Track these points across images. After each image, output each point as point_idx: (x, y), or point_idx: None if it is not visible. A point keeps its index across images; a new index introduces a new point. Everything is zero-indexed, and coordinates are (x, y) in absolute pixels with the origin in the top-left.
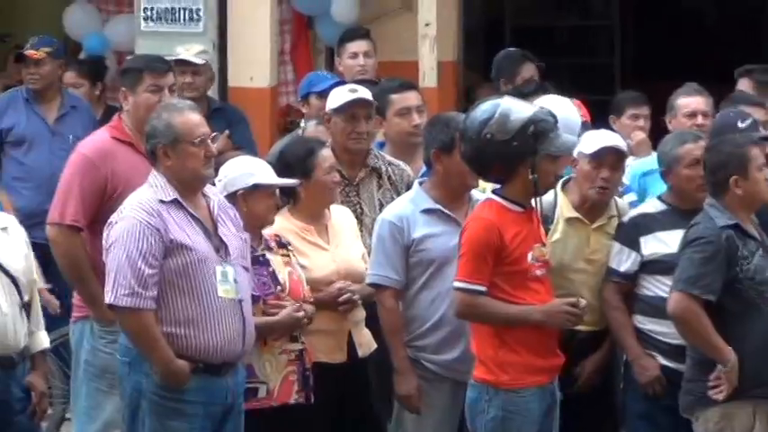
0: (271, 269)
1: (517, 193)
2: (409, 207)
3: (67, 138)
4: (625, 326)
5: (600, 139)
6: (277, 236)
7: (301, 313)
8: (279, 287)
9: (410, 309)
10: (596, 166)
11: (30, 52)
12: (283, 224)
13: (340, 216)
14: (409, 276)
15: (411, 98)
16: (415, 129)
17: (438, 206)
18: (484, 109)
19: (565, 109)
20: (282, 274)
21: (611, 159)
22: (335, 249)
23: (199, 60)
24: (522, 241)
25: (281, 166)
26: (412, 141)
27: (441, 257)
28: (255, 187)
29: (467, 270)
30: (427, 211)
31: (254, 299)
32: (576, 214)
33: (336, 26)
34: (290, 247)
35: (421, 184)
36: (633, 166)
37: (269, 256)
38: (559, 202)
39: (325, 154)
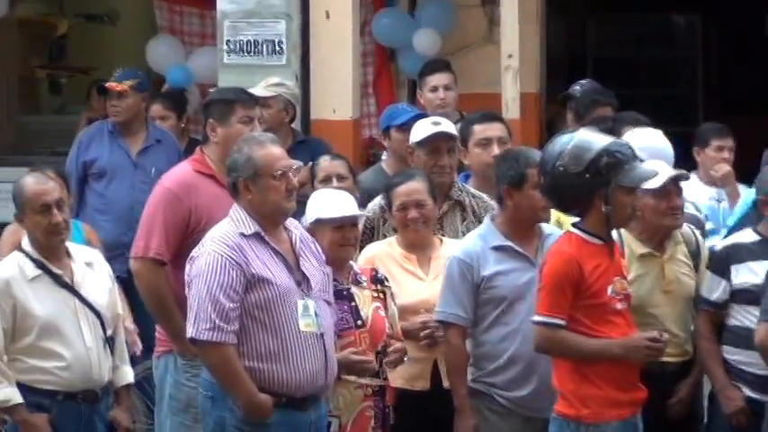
0: (353, 304)
1: (595, 226)
2: (479, 244)
3: (149, 171)
4: (713, 356)
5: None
6: (374, 270)
7: (361, 358)
8: (359, 322)
9: (480, 346)
10: (663, 197)
11: (111, 85)
12: (385, 250)
13: (453, 250)
14: (479, 313)
15: (493, 129)
16: (494, 159)
17: (509, 243)
18: (559, 141)
19: (658, 141)
20: (366, 310)
21: (675, 188)
22: (433, 281)
23: (267, 93)
24: (602, 275)
25: (364, 199)
26: (491, 173)
27: (511, 294)
28: (318, 222)
29: (546, 304)
30: (498, 248)
31: None
32: (646, 249)
33: (419, 58)
34: (387, 283)
35: (492, 219)
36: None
37: (354, 290)
38: (626, 241)
39: (403, 189)
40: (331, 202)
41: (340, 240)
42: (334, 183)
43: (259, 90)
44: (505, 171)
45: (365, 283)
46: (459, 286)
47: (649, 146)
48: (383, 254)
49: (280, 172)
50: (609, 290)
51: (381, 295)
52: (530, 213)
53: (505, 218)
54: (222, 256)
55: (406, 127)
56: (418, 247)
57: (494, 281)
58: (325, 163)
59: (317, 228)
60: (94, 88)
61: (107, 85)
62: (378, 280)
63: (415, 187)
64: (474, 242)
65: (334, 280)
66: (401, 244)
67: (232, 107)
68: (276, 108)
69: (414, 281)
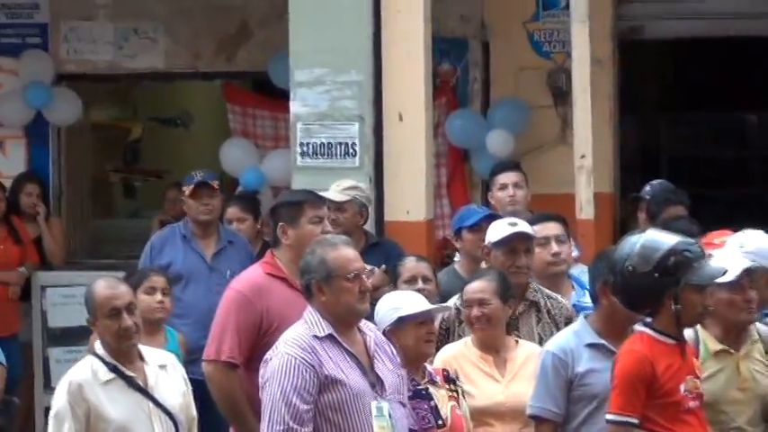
0: (432, 403)
1: (667, 325)
2: (573, 340)
3: (225, 273)
4: None
5: (732, 266)
6: (445, 370)
7: None
8: (440, 421)
9: None
10: (737, 290)
11: (213, 182)
12: (461, 351)
13: (529, 351)
14: (570, 410)
15: (549, 228)
16: (554, 258)
17: (602, 341)
18: (628, 241)
19: (764, 242)
20: (445, 409)
21: (747, 281)
22: (508, 382)
23: (341, 197)
24: (675, 374)
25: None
26: (552, 271)
27: (603, 393)
28: (401, 321)
29: (619, 403)
30: (591, 346)
31: None
32: (721, 346)
33: (492, 159)
34: (458, 383)
35: (586, 317)
36: None
37: (432, 389)
38: (701, 338)
39: (466, 288)
40: (408, 301)
41: (425, 336)
42: (420, 284)
43: (334, 194)
44: (599, 270)
45: (440, 383)
46: (552, 381)
47: (762, 248)
48: (459, 354)
49: (353, 274)
50: (681, 389)
51: (455, 394)
52: (624, 313)
53: (599, 316)
54: (296, 358)
55: (477, 228)
56: (492, 348)
57: (587, 378)
58: (412, 264)
59: (398, 327)
60: (169, 192)
61: (209, 181)
62: (450, 379)
63: (478, 286)
64: (568, 338)
65: (412, 380)
66: (476, 344)
67: (301, 208)
68: (351, 212)
69: (490, 382)
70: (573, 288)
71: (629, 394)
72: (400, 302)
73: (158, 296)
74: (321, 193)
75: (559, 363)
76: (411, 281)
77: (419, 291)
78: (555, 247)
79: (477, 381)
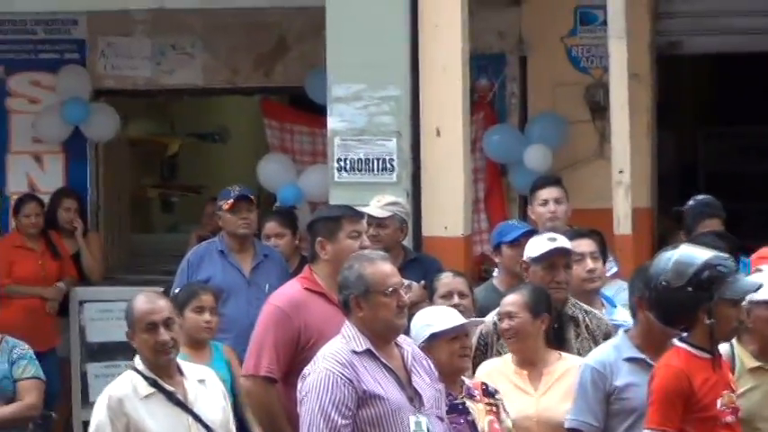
0: (470, 417)
1: (702, 340)
2: (613, 354)
3: (263, 287)
4: None
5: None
6: (484, 384)
7: None
8: None
9: None
10: None
11: (251, 197)
12: (499, 367)
13: (570, 365)
14: (609, 425)
15: (584, 245)
16: (589, 274)
17: (642, 356)
18: (663, 257)
19: None
20: (482, 423)
21: None
22: (541, 397)
23: (382, 213)
24: (712, 388)
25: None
26: (586, 288)
27: (642, 407)
28: (433, 337)
29: (656, 418)
30: (631, 360)
31: None
32: (757, 363)
33: (530, 174)
34: (497, 396)
35: (626, 331)
36: None
37: (469, 404)
38: (737, 354)
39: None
40: (441, 317)
41: (458, 351)
42: (455, 299)
43: (375, 210)
44: (637, 284)
45: (478, 397)
46: (591, 394)
47: None
48: (495, 369)
49: (390, 289)
50: (718, 403)
51: (494, 408)
52: (660, 328)
53: (638, 331)
54: (334, 373)
55: (516, 243)
56: (529, 362)
57: (625, 392)
58: (448, 279)
59: (432, 344)
60: (208, 207)
61: (249, 195)
62: (489, 393)
63: (509, 299)
64: (608, 352)
65: (449, 394)
66: (513, 359)
67: (339, 223)
68: (392, 228)
69: (521, 396)
70: (603, 305)
71: (666, 409)
72: (433, 318)
73: (206, 315)
74: (362, 209)
75: (598, 376)
76: (447, 296)
77: (455, 306)
78: (590, 264)
79: (508, 395)
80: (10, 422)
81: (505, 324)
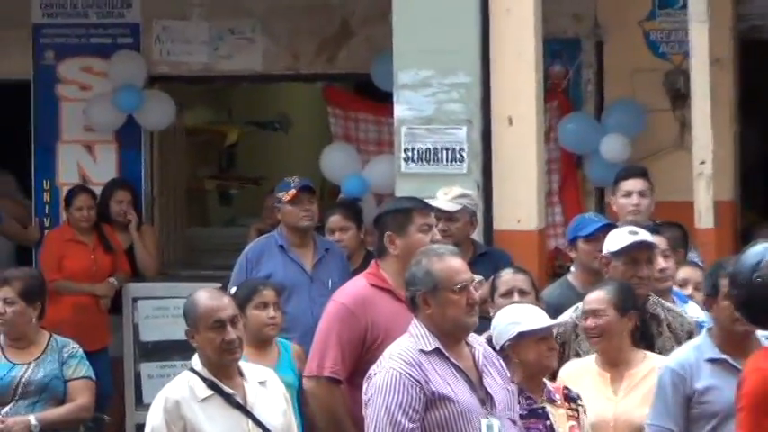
0: (548, 422)
1: None
2: (693, 355)
3: (326, 283)
4: None
5: None
6: (566, 388)
7: None
8: None
9: None
10: None
11: (314, 188)
12: (581, 367)
13: (654, 365)
14: (690, 430)
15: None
16: (660, 273)
17: (723, 356)
18: (754, 252)
19: None
20: (562, 429)
21: None
22: (621, 399)
23: (452, 207)
24: None
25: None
26: (658, 287)
27: (723, 411)
28: (521, 336)
29: (747, 425)
30: (712, 361)
31: None
32: None
33: (606, 166)
34: (579, 402)
35: (709, 330)
36: None
37: (549, 408)
38: None
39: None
40: (528, 315)
41: (546, 351)
42: (516, 297)
43: (445, 203)
44: (707, 280)
45: (559, 401)
46: (670, 398)
47: None
48: (576, 371)
49: (459, 286)
50: None
51: (575, 414)
52: (731, 325)
53: (715, 330)
54: (401, 373)
55: (593, 238)
56: (612, 363)
57: (706, 395)
58: (508, 276)
59: (519, 343)
60: (268, 200)
61: (309, 186)
62: (570, 398)
63: (594, 296)
64: (688, 353)
65: (528, 398)
66: (597, 360)
67: (410, 216)
68: (463, 221)
69: (601, 399)
70: (674, 302)
71: (758, 416)
72: (519, 316)
73: (270, 311)
74: (431, 203)
75: (678, 378)
76: (507, 294)
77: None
78: (662, 263)
79: (589, 397)
80: (62, 424)
81: (590, 322)
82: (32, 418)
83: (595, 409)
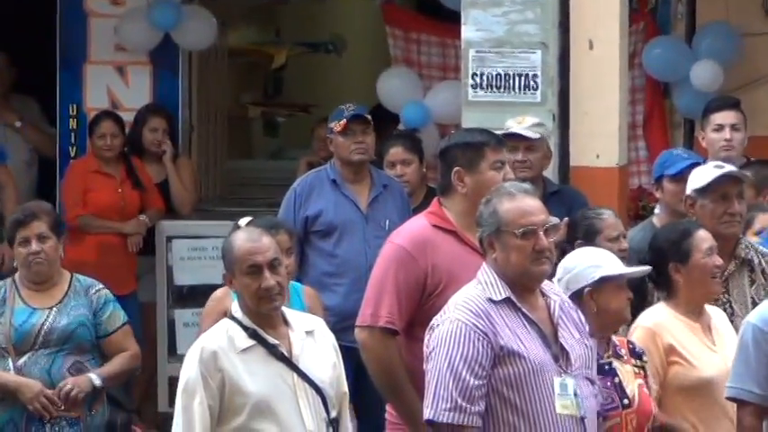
0: (617, 380)
1: None
2: None
3: (383, 223)
4: None
5: None
6: (630, 343)
7: None
8: (626, 400)
9: None
10: None
11: (369, 117)
12: (666, 318)
13: (718, 317)
14: None
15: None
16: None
17: None
18: None
19: None
20: (631, 386)
21: None
22: (722, 351)
23: (534, 134)
24: None
25: (653, 254)
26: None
27: None
28: (603, 281)
29: None
30: None
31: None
32: None
33: (696, 95)
34: (644, 358)
35: None
36: None
37: (616, 364)
38: None
39: (703, 235)
40: (608, 259)
41: (625, 301)
42: (623, 243)
43: (525, 130)
44: None
45: (625, 357)
46: (753, 358)
47: None
48: (669, 323)
49: (524, 230)
50: None
51: (642, 371)
52: None
53: None
54: (467, 324)
55: (681, 177)
56: (696, 313)
57: None
58: (612, 219)
59: (600, 288)
60: (318, 130)
61: (364, 114)
62: (636, 354)
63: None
64: None
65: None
66: (678, 310)
67: (482, 151)
68: (542, 152)
69: (707, 352)
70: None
71: None
72: (600, 260)
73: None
74: (510, 130)
75: (761, 335)
76: (615, 240)
77: (621, 251)
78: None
79: (695, 350)
80: (125, 375)
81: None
82: (94, 377)
83: (708, 361)
